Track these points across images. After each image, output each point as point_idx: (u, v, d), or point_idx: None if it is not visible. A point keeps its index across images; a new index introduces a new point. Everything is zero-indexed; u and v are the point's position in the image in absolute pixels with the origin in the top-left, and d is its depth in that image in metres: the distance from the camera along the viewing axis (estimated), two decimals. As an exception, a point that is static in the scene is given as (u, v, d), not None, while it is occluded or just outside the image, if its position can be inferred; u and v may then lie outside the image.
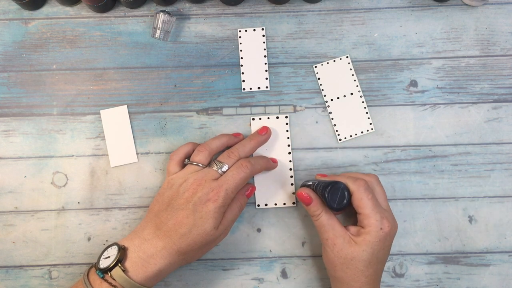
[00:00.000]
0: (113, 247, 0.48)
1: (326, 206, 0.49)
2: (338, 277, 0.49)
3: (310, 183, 0.52)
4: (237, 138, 0.56)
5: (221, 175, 0.50)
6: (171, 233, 0.48)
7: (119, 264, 0.46)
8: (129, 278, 0.46)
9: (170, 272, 0.50)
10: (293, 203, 0.57)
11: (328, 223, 0.50)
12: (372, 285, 0.49)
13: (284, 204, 0.57)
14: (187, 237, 0.48)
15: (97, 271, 0.47)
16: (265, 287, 0.56)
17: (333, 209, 0.48)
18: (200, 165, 0.51)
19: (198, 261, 0.57)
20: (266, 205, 0.57)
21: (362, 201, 0.48)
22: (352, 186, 0.49)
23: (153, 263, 0.47)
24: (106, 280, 0.46)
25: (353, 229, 0.50)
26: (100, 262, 0.47)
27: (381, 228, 0.48)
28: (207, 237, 0.48)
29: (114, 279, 0.46)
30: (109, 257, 0.47)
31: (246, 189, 0.54)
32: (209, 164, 0.52)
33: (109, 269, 0.46)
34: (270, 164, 0.55)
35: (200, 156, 0.52)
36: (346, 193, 0.49)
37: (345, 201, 0.48)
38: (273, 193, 0.57)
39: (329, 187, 0.48)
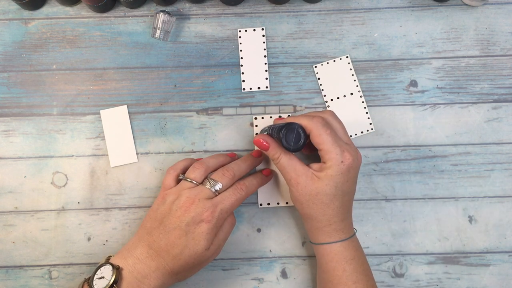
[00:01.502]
0: (107, 266, 0.47)
1: (284, 148, 0.49)
2: (307, 213, 0.50)
3: (266, 128, 0.53)
4: (232, 158, 0.55)
5: (214, 193, 0.50)
6: (163, 254, 0.48)
7: (115, 286, 0.46)
8: None
9: None
10: None
11: (289, 163, 0.50)
12: (340, 217, 0.50)
13: (287, 203, 0.57)
14: (179, 258, 0.48)
15: None
16: (265, 287, 0.56)
17: (290, 150, 0.48)
18: (194, 182, 0.50)
19: (198, 261, 0.57)
20: (268, 204, 0.57)
21: (321, 137, 0.48)
22: (308, 124, 0.48)
23: (147, 283, 0.47)
24: None
25: (315, 166, 0.50)
26: (95, 283, 0.46)
27: (342, 161, 0.48)
28: (199, 258, 0.48)
29: None
30: (103, 277, 0.46)
31: None
32: (202, 182, 0.51)
33: None
34: (264, 180, 0.55)
35: (195, 173, 0.51)
36: (301, 132, 0.48)
37: (301, 141, 0.48)
38: (275, 192, 0.57)
39: (284, 129, 0.47)
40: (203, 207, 0.48)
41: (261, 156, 0.56)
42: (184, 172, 0.53)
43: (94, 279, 0.47)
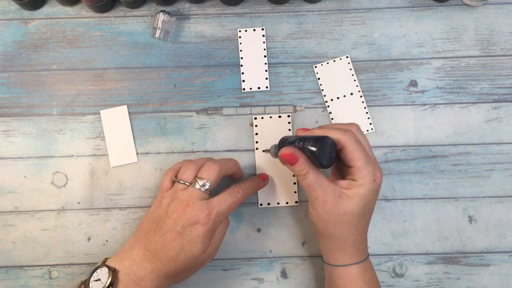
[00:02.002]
0: (103, 269, 0.47)
1: (312, 163, 0.46)
2: (330, 234, 0.48)
3: (293, 139, 0.48)
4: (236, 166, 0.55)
5: (205, 193, 0.49)
6: (160, 256, 0.47)
7: None
8: None
9: None
10: (296, 202, 0.57)
11: (317, 180, 0.46)
12: (362, 236, 0.49)
13: (287, 203, 0.57)
14: (175, 260, 0.47)
15: None
16: (265, 287, 0.56)
17: (323, 166, 0.45)
18: (187, 184, 0.50)
19: (198, 261, 0.57)
20: (268, 204, 0.57)
21: (354, 153, 0.45)
22: (342, 138, 0.45)
23: (143, 285, 0.47)
24: None
25: (343, 183, 0.47)
26: (91, 285, 0.46)
27: (374, 180, 0.46)
28: (196, 260, 0.48)
29: None
30: (99, 279, 0.46)
31: None
32: (192, 182, 0.50)
33: None
34: (261, 185, 0.55)
35: (186, 174, 0.50)
36: (334, 148, 0.45)
37: (333, 156, 0.45)
38: (275, 192, 0.57)
39: (319, 144, 0.44)
40: (198, 209, 0.48)
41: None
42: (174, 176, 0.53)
43: (91, 281, 0.46)
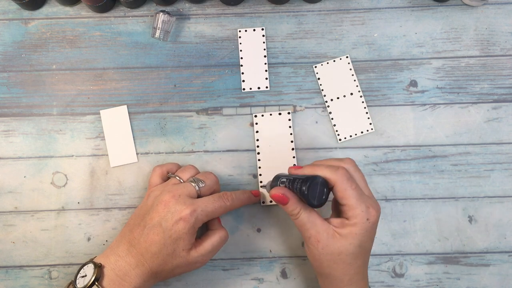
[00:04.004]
0: (89, 265, 0.47)
1: (304, 202, 0.46)
2: (326, 273, 0.47)
3: (284, 179, 0.48)
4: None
5: (197, 192, 0.49)
6: (143, 251, 0.47)
7: (96, 283, 0.45)
8: None
9: None
10: None
11: (309, 220, 0.46)
12: (361, 274, 0.47)
13: None
14: (157, 256, 0.47)
15: None
16: (265, 287, 0.56)
17: (314, 206, 0.44)
18: (182, 180, 0.50)
19: (198, 261, 0.57)
20: (271, 202, 0.57)
21: (346, 191, 0.44)
22: (332, 177, 0.44)
23: (128, 281, 0.47)
24: None
25: (335, 221, 0.46)
26: (77, 281, 0.46)
27: (367, 219, 0.45)
28: (178, 258, 0.47)
29: None
30: (85, 275, 0.46)
31: (216, 218, 0.53)
32: (187, 179, 0.51)
33: None
34: (252, 200, 0.54)
35: (184, 173, 0.51)
36: (325, 187, 0.44)
37: (324, 196, 0.44)
38: None
39: (308, 183, 0.43)
40: (183, 204, 0.47)
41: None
42: (169, 172, 0.54)
43: (77, 277, 0.47)
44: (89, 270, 0.47)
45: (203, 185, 0.50)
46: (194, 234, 0.48)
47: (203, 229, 0.53)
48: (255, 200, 0.55)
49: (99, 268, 0.46)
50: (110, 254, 0.48)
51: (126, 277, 0.47)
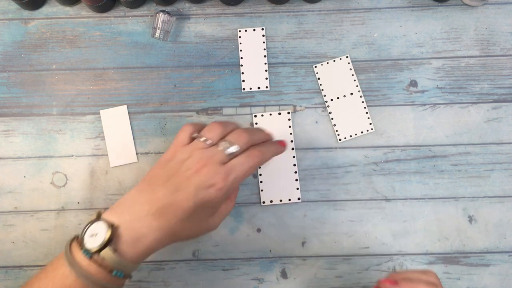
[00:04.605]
0: (100, 223, 0.42)
1: None
2: None
3: None
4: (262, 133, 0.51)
5: (228, 157, 0.45)
6: (168, 215, 0.44)
7: (109, 246, 0.42)
8: (120, 259, 0.42)
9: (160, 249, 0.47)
10: (298, 198, 0.57)
11: None
12: None
13: (289, 200, 0.57)
14: (182, 222, 0.44)
15: (83, 251, 0.42)
16: (265, 287, 0.56)
17: None
18: (209, 142, 0.46)
19: (198, 261, 0.56)
20: (271, 201, 0.57)
21: None
22: None
23: (144, 242, 0.43)
24: (95, 261, 0.42)
25: None
26: (86, 241, 0.42)
27: None
28: (202, 224, 0.46)
29: (103, 259, 0.42)
30: (96, 234, 0.42)
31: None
32: (217, 143, 0.46)
33: (97, 251, 0.42)
34: (280, 150, 0.51)
35: (212, 133, 0.46)
36: None
37: None
38: (277, 189, 0.57)
39: None
40: (215, 172, 0.44)
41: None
42: (199, 130, 0.48)
43: (85, 236, 0.42)
44: (100, 229, 0.42)
45: (233, 150, 0.46)
46: (222, 202, 0.47)
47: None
48: (283, 151, 0.51)
49: (112, 227, 0.42)
50: (124, 211, 0.44)
51: (143, 239, 0.43)
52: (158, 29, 0.58)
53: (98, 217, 0.43)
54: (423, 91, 0.59)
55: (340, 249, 0.56)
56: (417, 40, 0.60)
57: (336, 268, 0.56)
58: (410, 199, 0.57)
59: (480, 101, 0.59)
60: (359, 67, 0.59)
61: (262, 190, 0.57)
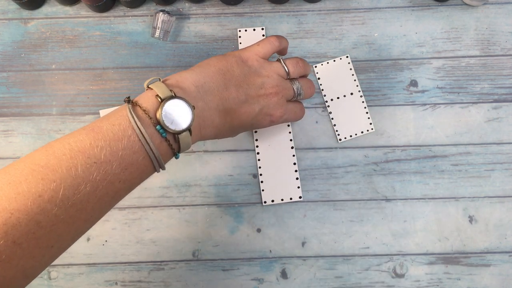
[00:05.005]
0: (182, 103, 0.39)
1: None
2: None
3: None
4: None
5: (293, 98, 0.51)
6: (233, 117, 0.46)
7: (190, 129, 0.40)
8: (190, 142, 0.41)
9: None
10: (299, 197, 0.57)
11: None
12: None
13: (291, 199, 0.57)
14: (239, 126, 0.48)
15: (159, 128, 0.39)
16: (265, 287, 0.56)
17: None
18: (289, 76, 0.50)
19: (198, 261, 0.56)
20: (272, 201, 0.57)
21: None
22: None
23: (203, 133, 0.44)
24: (167, 141, 0.39)
25: None
26: (164, 114, 0.38)
27: None
28: (255, 126, 0.50)
29: (174, 141, 0.40)
30: (175, 114, 0.39)
31: None
32: (293, 80, 0.51)
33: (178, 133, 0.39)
34: (303, 112, 0.55)
35: (295, 69, 0.50)
36: None
37: None
38: (279, 189, 0.57)
39: None
40: (280, 105, 0.49)
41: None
42: (284, 51, 0.53)
43: (164, 113, 0.38)
44: (183, 109, 0.39)
45: (300, 97, 0.52)
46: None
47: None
48: (302, 115, 0.55)
49: (193, 110, 0.40)
50: (197, 97, 0.42)
51: (204, 129, 0.43)
52: (158, 29, 0.58)
53: (174, 94, 0.40)
54: (423, 91, 0.59)
55: (340, 249, 0.56)
56: (418, 40, 0.59)
57: (336, 268, 0.56)
58: (410, 199, 0.57)
59: (481, 101, 0.59)
60: (359, 67, 0.59)
61: (263, 190, 0.57)
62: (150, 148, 0.38)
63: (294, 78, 0.51)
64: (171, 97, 0.39)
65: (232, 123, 0.47)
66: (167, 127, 0.39)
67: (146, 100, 0.40)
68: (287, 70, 0.50)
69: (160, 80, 0.42)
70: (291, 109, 0.51)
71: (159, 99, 0.39)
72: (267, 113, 0.48)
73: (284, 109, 0.50)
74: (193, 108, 0.40)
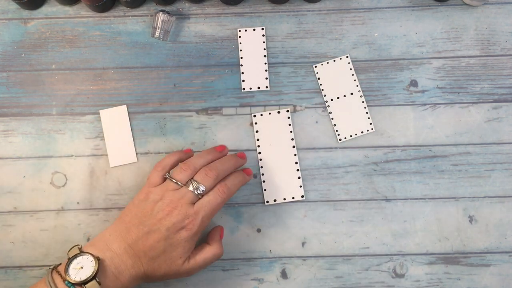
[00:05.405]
0: (86, 257, 0.46)
1: None
2: None
3: None
4: (222, 153, 0.54)
5: (197, 196, 0.49)
6: (141, 254, 0.47)
7: (96, 278, 0.45)
8: None
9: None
10: (302, 196, 0.57)
11: None
12: None
13: (293, 198, 0.57)
14: (154, 261, 0.48)
15: (67, 283, 0.44)
16: (265, 287, 0.56)
17: None
18: (179, 183, 0.49)
19: (198, 262, 0.56)
20: (275, 200, 0.57)
21: None
22: None
23: (122, 279, 0.47)
24: None
25: None
26: (71, 272, 0.45)
27: None
28: (173, 266, 0.48)
29: None
30: (82, 267, 0.45)
31: (219, 233, 0.54)
32: (186, 183, 0.50)
33: (83, 283, 0.44)
34: (246, 180, 0.54)
35: (181, 175, 0.50)
36: None
37: None
38: (281, 188, 0.57)
39: None
40: (185, 214, 0.48)
41: (245, 158, 0.55)
42: (172, 168, 0.52)
43: (70, 268, 0.45)
44: (86, 262, 0.45)
45: (202, 191, 0.49)
46: (195, 242, 0.49)
47: (201, 239, 0.53)
48: (248, 180, 0.55)
49: (99, 262, 0.45)
50: (104, 248, 0.47)
51: (121, 276, 0.47)
52: (158, 29, 0.58)
53: (80, 251, 0.46)
54: (423, 91, 0.59)
55: (340, 249, 0.56)
56: (418, 40, 0.59)
57: (336, 268, 0.56)
58: (410, 199, 0.57)
59: (481, 101, 0.59)
60: (359, 67, 0.59)
61: (265, 190, 0.57)
62: None
63: (190, 179, 0.50)
64: (77, 254, 0.46)
65: (148, 256, 0.47)
66: (72, 279, 0.44)
67: (63, 263, 0.46)
68: (174, 181, 0.50)
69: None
70: (204, 203, 0.49)
71: (68, 259, 0.46)
72: (177, 228, 0.48)
73: (194, 212, 0.48)
74: (97, 259, 0.45)
